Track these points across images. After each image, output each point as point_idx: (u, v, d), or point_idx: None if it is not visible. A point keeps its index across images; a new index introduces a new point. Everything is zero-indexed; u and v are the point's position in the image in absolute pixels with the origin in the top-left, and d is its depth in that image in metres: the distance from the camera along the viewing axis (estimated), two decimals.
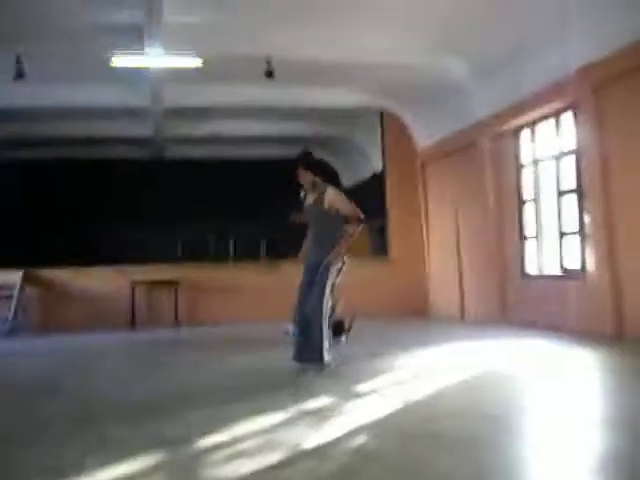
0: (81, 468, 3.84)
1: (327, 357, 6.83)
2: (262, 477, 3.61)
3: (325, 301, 6.84)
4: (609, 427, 4.58)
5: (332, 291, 6.95)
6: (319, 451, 4.08)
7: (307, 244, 7.39)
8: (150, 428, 4.84)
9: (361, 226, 7.08)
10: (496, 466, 3.73)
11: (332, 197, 7.03)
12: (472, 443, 4.16)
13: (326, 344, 6.83)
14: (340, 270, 7.04)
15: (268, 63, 11.25)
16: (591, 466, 3.69)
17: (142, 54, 10.73)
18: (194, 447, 4.28)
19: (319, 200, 7.03)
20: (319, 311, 6.81)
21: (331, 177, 19.82)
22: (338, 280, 7.06)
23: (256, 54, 11.16)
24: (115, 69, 11.35)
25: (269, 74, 11.29)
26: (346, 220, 7.13)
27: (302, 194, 7.32)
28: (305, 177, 7.11)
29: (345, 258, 7.09)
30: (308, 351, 6.88)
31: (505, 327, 11.03)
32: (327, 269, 6.90)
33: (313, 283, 6.95)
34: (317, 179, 7.19)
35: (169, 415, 5.29)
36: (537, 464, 3.82)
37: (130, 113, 14.28)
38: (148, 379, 7.33)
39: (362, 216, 7.03)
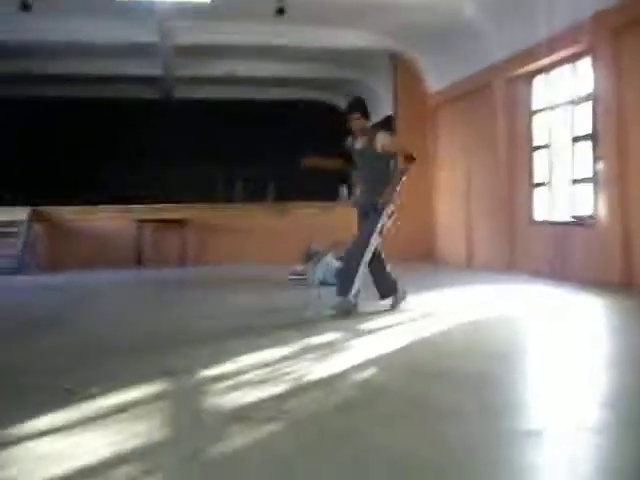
0: (87, 396, 3.83)
1: (352, 296, 6.82)
2: (264, 407, 3.59)
3: (372, 241, 6.90)
4: (616, 365, 4.56)
5: (381, 233, 7.02)
6: (324, 384, 4.06)
7: (359, 189, 7.47)
8: (153, 360, 4.83)
9: (413, 165, 7.14)
10: (503, 402, 3.70)
11: (385, 140, 7.14)
12: (479, 380, 4.13)
13: (357, 284, 6.81)
14: (391, 215, 7.14)
15: (279, 0, 11.04)
16: (599, 402, 3.66)
17: None
18: (197, 378, 4.27)
19: (371, 144, 7.08)
20: (362, 248, 6.87)
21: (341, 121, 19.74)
22: (388, 224, 7.13)
23: None
24: (123, 3, 11.17)
25: (280, 11, 11.09)
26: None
27: (349, 140, 7.38)
28: (357, 123, 7.14)
29: (393, 205, 7.18)
30: (340, 286, 6.98)
31: (513, 274, 10.98)
32: (381, 211, 6.99)
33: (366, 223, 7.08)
34: (367, 124, 7.30)
35: (172, 349, 5.28)
36: (544, 400, 3.80)
37: (138, 50, 14.05)
38: (152, 315, 7.33)
39: (414, 154, 7.10)
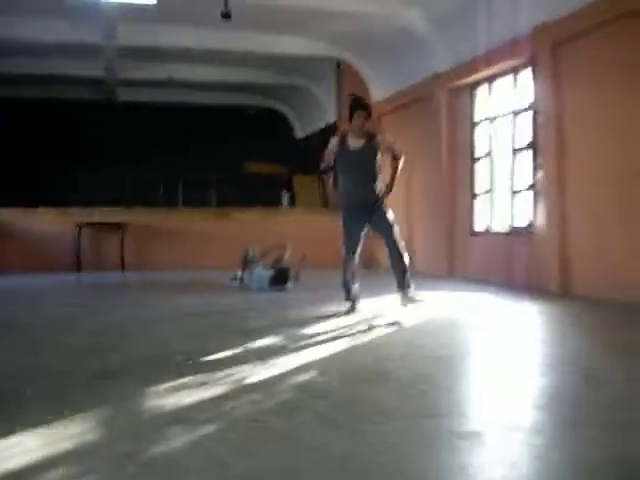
0: (22, 397, 3.75)
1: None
2: (204, 408, 3.55)
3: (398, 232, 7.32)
4: (551, 369, 4.64)
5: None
6: (263, 386, 4.04)
7: (345, 188, 7.38)
8: (92, 363, 4.75)
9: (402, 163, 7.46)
10: (441, 404, 3.73)
11: (388, 139, 7.47)
12: (418, 383, 4.15)
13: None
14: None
15: (225, 5, 10.99)
16: (534, 404, 3.73)
17: None
18: (136, 381, 4.21)
19: (370, 143, 7.18)
20: (402, 241, 7.37)
21: (285, 128, 19.77)
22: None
23: None
24: (67, 3, 11.01)
25: (226, 15, 11.03)
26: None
27: (333, 140, 7.35)
28: (359, 121, 7.10)
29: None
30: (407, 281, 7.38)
31: (453, 281, 11.11)
32: (382, 204, 7.29)
33: (364, 226, 7.38)
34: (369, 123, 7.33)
35: (112, 351, 5.20)
36: (481, 403, 3.85)
37: (82, 51, 13.87)
38: (90, 318, 7.21)
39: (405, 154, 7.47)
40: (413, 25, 11.73)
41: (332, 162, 7.35)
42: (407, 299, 7.26)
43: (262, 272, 9.80)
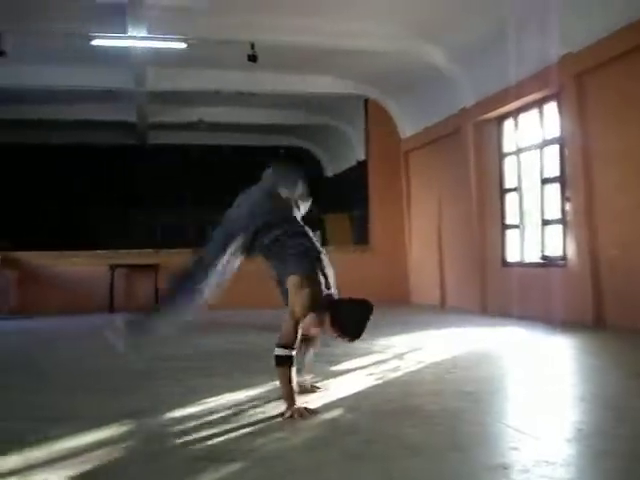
0: (49, 437, 3.78)
1: None
2: (230, 446, 3.55)
3: None
4: (583, 402, 4.58)
5: None
6: (290, 423, 4.02)
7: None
8: (118, 401, 4.78)
9: None
10: (471, 438, 3.69)
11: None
12: (448, 417, 4.12)
13: None
14: None
15: (252, 47, 11.19)
16: (565, 437, 3.67)
17: (125, 35, 10.65)
18: (162, 418, 4.22)
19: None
20: None
21: (314, 166, 19.88)
22: None
23: (240, 38, 11.10)
24: (97, 50, 11.26)
25: (253, 58, 11.22)
26: None
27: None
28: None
29: None
30: None
31: (486, 315, 11.03)
32: None
33: None
34: None
35: (138, 389, 5.23)
36: (512, 436, 3.80)
37: (112, 96, 14.14)
38: (121, 357, 7.24)
39: None
40: (438, 62, 11.81)
41: None
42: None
43: None
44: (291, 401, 4.22)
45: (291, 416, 4.12)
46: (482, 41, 10.58)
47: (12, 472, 3.17)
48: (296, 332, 4.30)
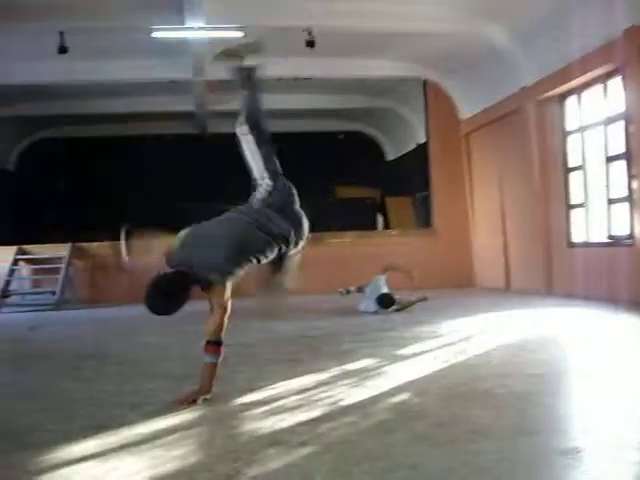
0: (125, 422, 3.90)
1: None
2: (299, 431, 3.60)
3: None
4: None
5: None
6: (359, 407, 4.06)
7: None
8: (188, 389, 4.87)
9: None
10: (540, 421, 3.68)
11: None
12: (516, 401, 4.10)
13: None
14: None
15: (309, 33, 11.20)
16: (635, 420, 3.63)
17: (183, 27, 10.77)
18: (233, 403, 4.30)
19: None
20: None
21: (375, 150, 19.83)
22: None
23: (297, 25, 11.12)
24: (157, 42, 11.41)
25: (310, 44, 11.24)
26: None
27: None
28: None
29: None
30: None
31: (551, 297, 10.89)
32: None
33: None
34: None
35: None
36: (582, 420, 3.77)
37: (173, 87, 14.31)
38: (189, 345, 7.35)
39: None
40: (498, 41, 11.64)
41: None
42: None
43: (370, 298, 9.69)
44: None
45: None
46: (543, 17, 10.38)
47: (89, 456, 3.28)
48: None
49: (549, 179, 11.74)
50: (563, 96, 11.35)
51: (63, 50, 10.99)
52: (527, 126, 12.05)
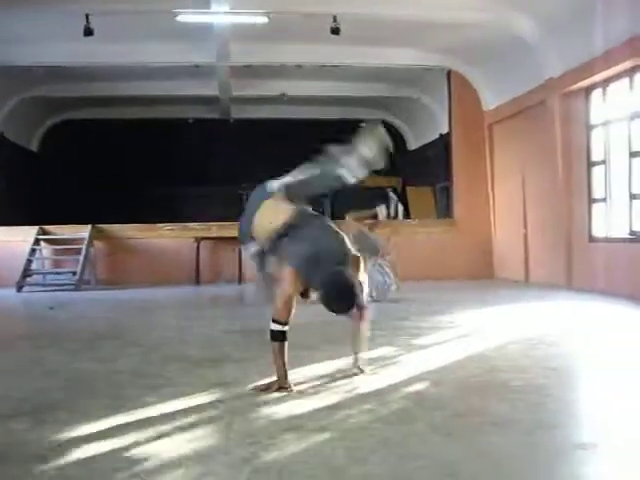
0: (144, 403, 3.94)
1: None
2: (317, 416, 3.63)
3: None
4: None
5: None
6: (377, 395, 4.08)
7: None
8: (210, 370, 4.92)
9: None
10: (556, 415, 3.68)
11: None
12: (532, 393, 4.10)
13: None
14: None
15: (334, 20, 11.18)
16: None
17: (209, 11, 10.78)
18: (248, 388, 4.32)
19: None
20: None
21: (397, 139, 19.77)
22: None
23: (322, 11, 11.10)
24: (182, 27, 11.42)
25: (335, 31, 11.22)
26: None
27: None
28: None
29: None
30: None
31: (571, 290, 10.85)
32: None
33: None
34: None
35: (229, 361, 5.36)
36: (598, 414, 3.76)
37: (197, 72, 14.33)
38: (207, 328, 7.40)
39: None
40: (524, 32, 11.54)
41: None
42: None
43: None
44: (281, 376, 4.27)
45: (276, 390, 4.20)
46: (571, 9, 10.28)
47: (107, 436, 3.33)
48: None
49: (572, 173, 11.66)
50: (588, 90, 11.25)
51: (89, 32, 11.01)
52: (551, 119, 11.96)
